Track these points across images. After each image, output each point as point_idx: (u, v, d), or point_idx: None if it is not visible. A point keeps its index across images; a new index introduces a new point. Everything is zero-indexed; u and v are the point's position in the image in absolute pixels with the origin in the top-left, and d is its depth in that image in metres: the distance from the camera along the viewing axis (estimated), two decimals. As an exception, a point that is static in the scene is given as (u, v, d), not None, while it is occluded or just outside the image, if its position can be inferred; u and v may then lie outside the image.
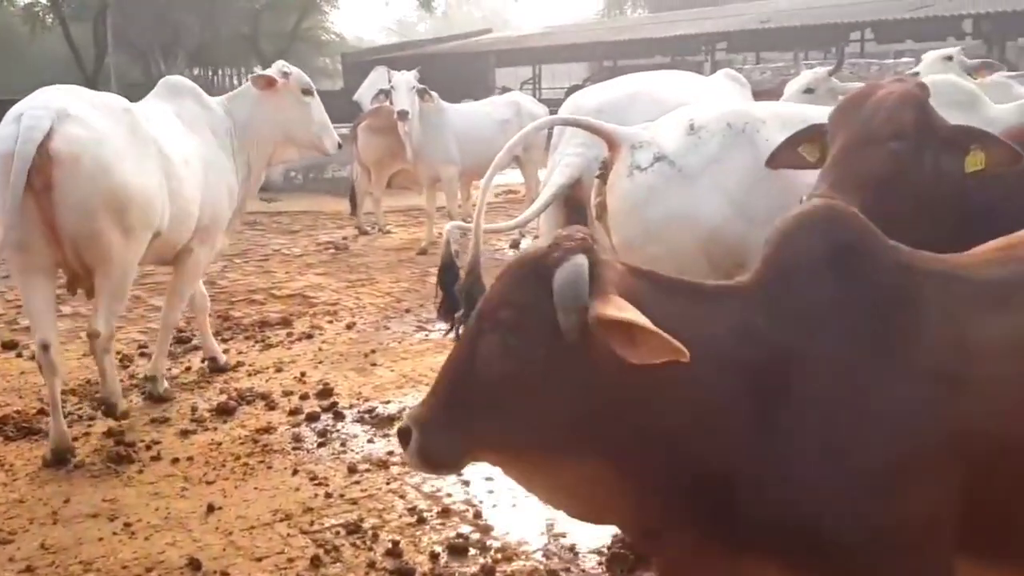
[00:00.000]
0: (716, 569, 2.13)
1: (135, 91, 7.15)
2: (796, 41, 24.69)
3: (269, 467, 4.86)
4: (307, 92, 6.38)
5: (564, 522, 4.26)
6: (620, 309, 1.93)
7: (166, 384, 6.01)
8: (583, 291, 1.98)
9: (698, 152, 4.11)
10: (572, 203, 4.86)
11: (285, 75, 6.32)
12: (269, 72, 6.37)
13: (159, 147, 5.30)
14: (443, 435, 2.13)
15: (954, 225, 3.33)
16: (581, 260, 2.02)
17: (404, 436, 2.16)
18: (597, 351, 1.96)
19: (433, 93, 11.17)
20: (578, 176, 4.75)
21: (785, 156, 3.63)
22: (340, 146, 6.76)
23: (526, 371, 2.05)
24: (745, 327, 2.09)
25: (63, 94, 5.10)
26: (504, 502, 4.43)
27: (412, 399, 5.57)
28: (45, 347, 4.90)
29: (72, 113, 4.88)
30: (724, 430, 2.03)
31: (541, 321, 2.01)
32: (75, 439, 5.23)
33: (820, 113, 4.30)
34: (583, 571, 3.86)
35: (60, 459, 4.89)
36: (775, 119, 4.21)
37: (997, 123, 5.01)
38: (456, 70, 28.36)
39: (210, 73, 46.28)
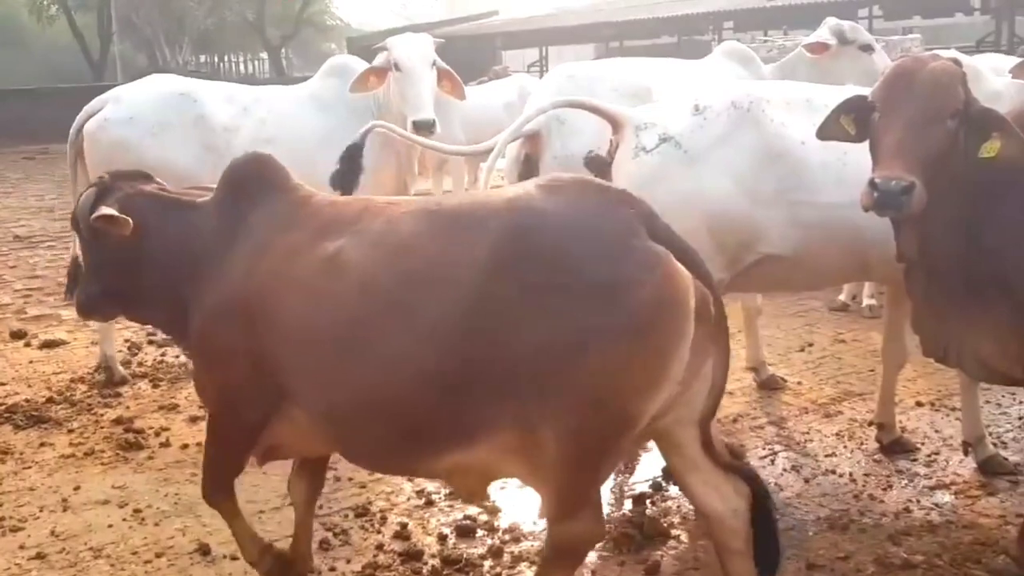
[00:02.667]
0: None
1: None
2: (803, 19, 24.48)
3: (278, 452, 4.87)
4: (397, 67, 6.01)
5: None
6: (100, 212, 3.34)
7: None
8: (87, 207, 3.41)
9: (704, 133, 4.09)
10: (529, 158, 4.90)
11: (386, 52, 6.09)
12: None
13: (210, 127, 5.92)
14: (85, 295, 3.60)
15: (966, 199, 3.33)
16: (89, 191, 3.49)
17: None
18: (114, 240, 3.34)
19: (439, 76, 11.09)
20: (537, 130, 4.77)
21: (833, 128, 3.55)
22: (428, 127, 5.83)
23: (90, 255, 3.56)
24: (196, 223, 3.36)
25: (140, 82, 6.35)
26: (511, 484, 4.44)
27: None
28: None
29: (119, 97, 6.07)
30: (184, 284, 3.30)
31: (87, 225, 3.41)
32: (84, 427, 5.30)
33: (823, 92, 4.28)
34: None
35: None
36: (780, 98, 4.19)
37: (1003, 97, 4.99)
38: (463, 53, 28.22)
39: (216, 59, 46.21)
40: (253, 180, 3.35)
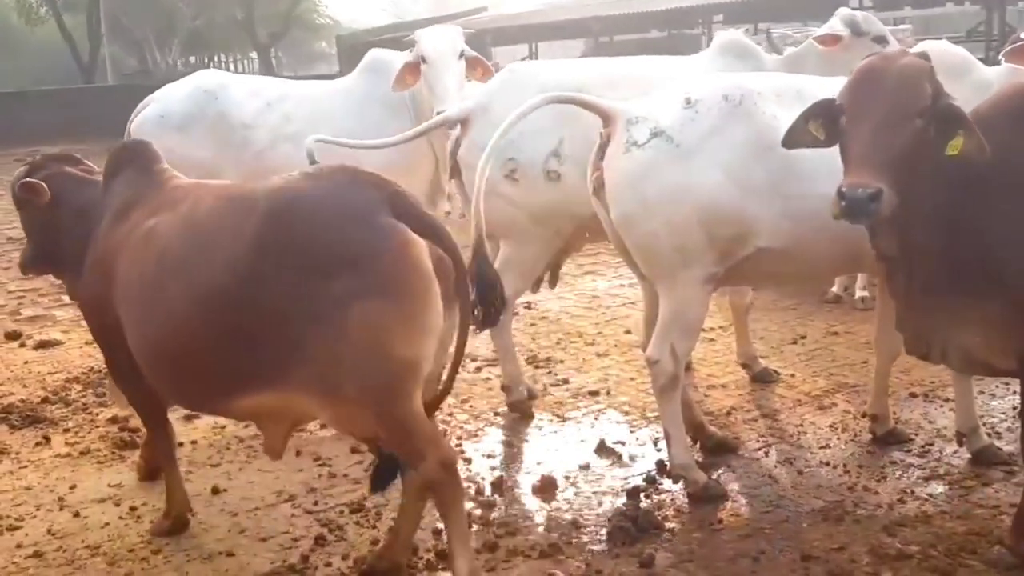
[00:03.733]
0: None
1: (132, 80, 7.23)
2: (794, 11, 24.46)
3: (273, 449, 4.87)
4: (424, 59, 5.95)
5: (565, 497, 4.29)
6: (21, 181, 4.12)
7: None
8: (16, 182, 4.15)
9: (695, 126, 4.08)
10: (460, 143, 5.04)
11: (414, 46, 6.06)
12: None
13: (229, 124, 6.26)
14: (25, 255, 4.37)
15: (944, 194, 3.34)
16: (21, 169, 4.25)
17: None
18: (38, 208, 4.16)
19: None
20: (466, 117, 4.89)
21: (801, 135, 3.53)
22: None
23: (25, 222, 4.30)
24: (93, 197, 4.03)
25: (183, 79, 6.72)
26: (506, 479, 4.46)
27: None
28: None
29: (157, 96, 6.51)
30: (82, 246, 3.97)
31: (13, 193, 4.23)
32: (80, 427, 5.30)
33: (812, 84, 4.28)
34: (584, 545, 3.88)
35: None
36: (771, 91, 4.19)
37: (994, 86, 5.00)
38: (452, 50, 28.07)
39: (206, 59, 46.08)
40: (126, 163, 4.00)
